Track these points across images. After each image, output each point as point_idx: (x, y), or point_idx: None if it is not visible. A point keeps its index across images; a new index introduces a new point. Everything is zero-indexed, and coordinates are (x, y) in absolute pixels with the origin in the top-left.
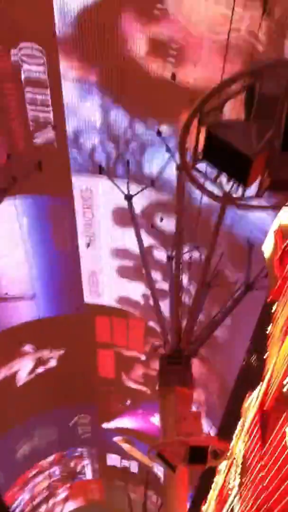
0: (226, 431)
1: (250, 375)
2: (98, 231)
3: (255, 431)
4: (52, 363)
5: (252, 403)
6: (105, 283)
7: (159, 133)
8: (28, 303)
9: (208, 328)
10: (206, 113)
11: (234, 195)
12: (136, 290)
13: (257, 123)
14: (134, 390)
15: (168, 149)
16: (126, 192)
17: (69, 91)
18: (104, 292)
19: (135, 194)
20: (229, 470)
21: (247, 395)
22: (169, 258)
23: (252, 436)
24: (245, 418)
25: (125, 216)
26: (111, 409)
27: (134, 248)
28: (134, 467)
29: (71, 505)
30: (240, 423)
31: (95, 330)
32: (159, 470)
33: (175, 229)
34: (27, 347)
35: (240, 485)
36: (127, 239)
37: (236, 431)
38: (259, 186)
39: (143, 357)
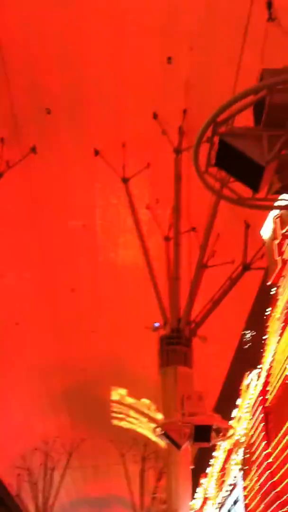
0: (223, 407)
1: (249, 354)
2: None
3: (258, 421)
4: None
5: (252, 384)
6: None
7: None
8: None
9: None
10: (220, 122)
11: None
12: None
13: (267, 130)
14: None
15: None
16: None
17: None
18: None
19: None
20: (231, 447)
21: (246, 373)
22: (166, 239)
23: (256, 425)
24: (245, 398)
25: None
26: None
27: None
28: None
29: None
30: (239, 402)
31: None
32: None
33: (173, 210)
34: None
35: (244, 464)
36: None
37: (236, 410)
38: (268, 190)
39: None
